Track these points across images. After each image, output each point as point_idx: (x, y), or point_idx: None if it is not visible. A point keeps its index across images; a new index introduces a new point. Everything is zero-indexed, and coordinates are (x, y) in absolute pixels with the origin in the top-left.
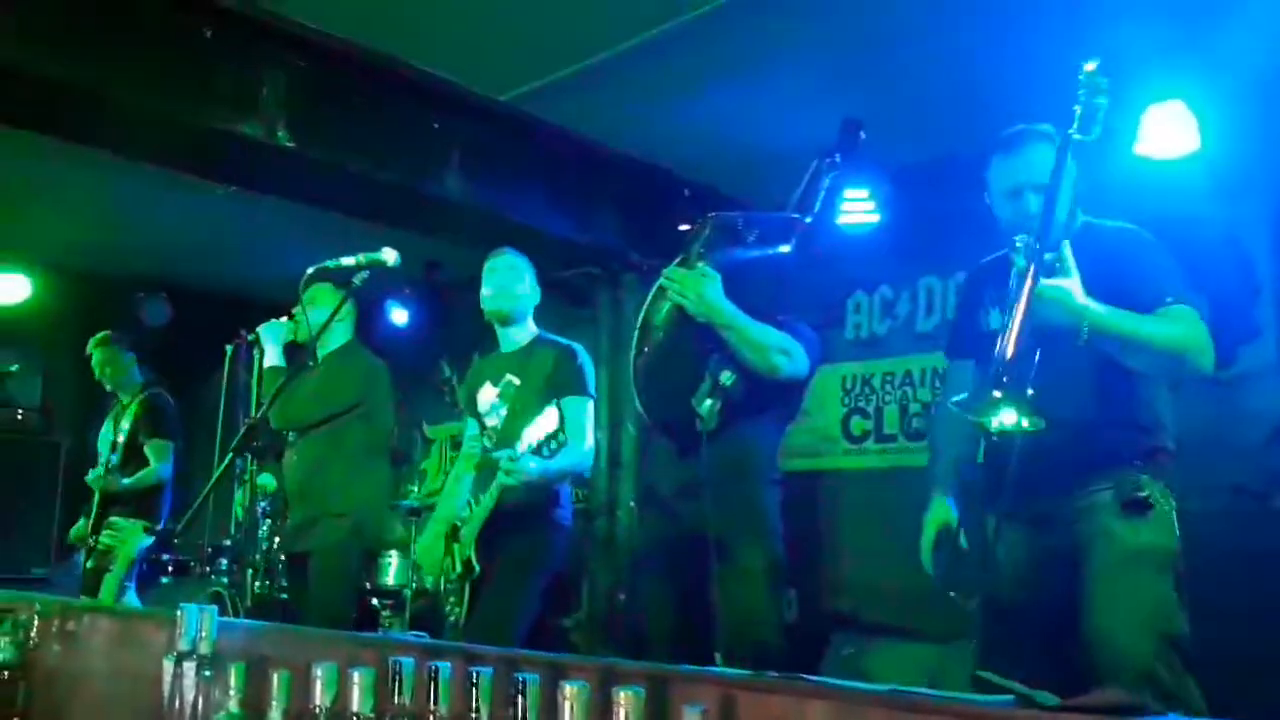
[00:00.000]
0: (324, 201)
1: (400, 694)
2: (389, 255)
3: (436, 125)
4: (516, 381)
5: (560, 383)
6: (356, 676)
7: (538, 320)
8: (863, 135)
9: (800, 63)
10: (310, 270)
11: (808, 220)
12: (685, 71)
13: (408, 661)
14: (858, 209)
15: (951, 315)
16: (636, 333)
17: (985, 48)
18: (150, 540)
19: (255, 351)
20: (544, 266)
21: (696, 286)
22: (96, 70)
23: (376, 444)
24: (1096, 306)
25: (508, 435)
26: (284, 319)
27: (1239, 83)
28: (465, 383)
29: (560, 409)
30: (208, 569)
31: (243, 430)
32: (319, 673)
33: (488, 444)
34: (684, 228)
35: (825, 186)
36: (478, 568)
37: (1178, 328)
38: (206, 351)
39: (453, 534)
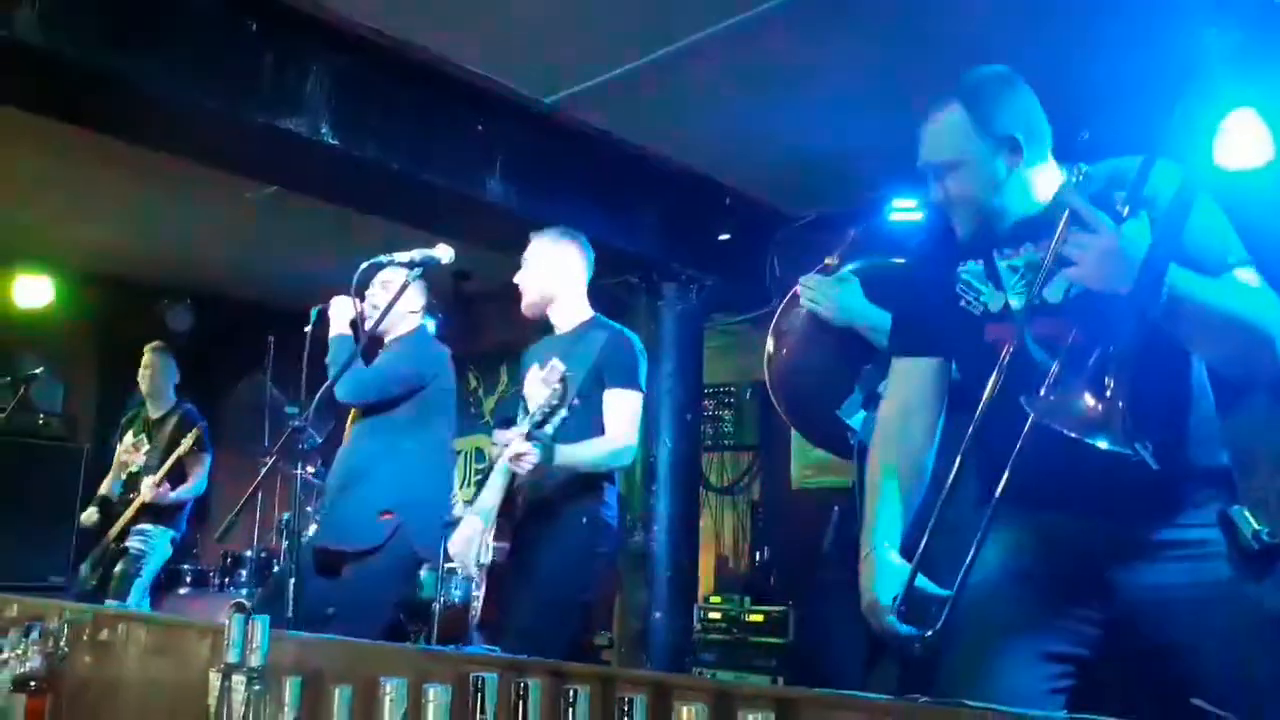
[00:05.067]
0: (364, 203)
1: (482, 713)
2: (444, 253)
3: (480, 127)
4: (561, 366)
5: (606, 371)
6: (432, 693)
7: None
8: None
9: (851, 69)
10: (364, 265)
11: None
12: (731, 77)
13: (491, 678)
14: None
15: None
16: (769, 339)
17: (1044, 57)
18: (170, 550)
19: (309, 340)
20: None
21: (831, 292)
22: (138, 60)
23: (437, 437)
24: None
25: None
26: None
27: None
28: (521, 366)
29: (603, 399)
30: (226, 579)
31: (288, 431)
32: (389, 689)
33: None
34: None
35: None
36: (492, 549)
37: (1261, 299)
38: (229, 361)
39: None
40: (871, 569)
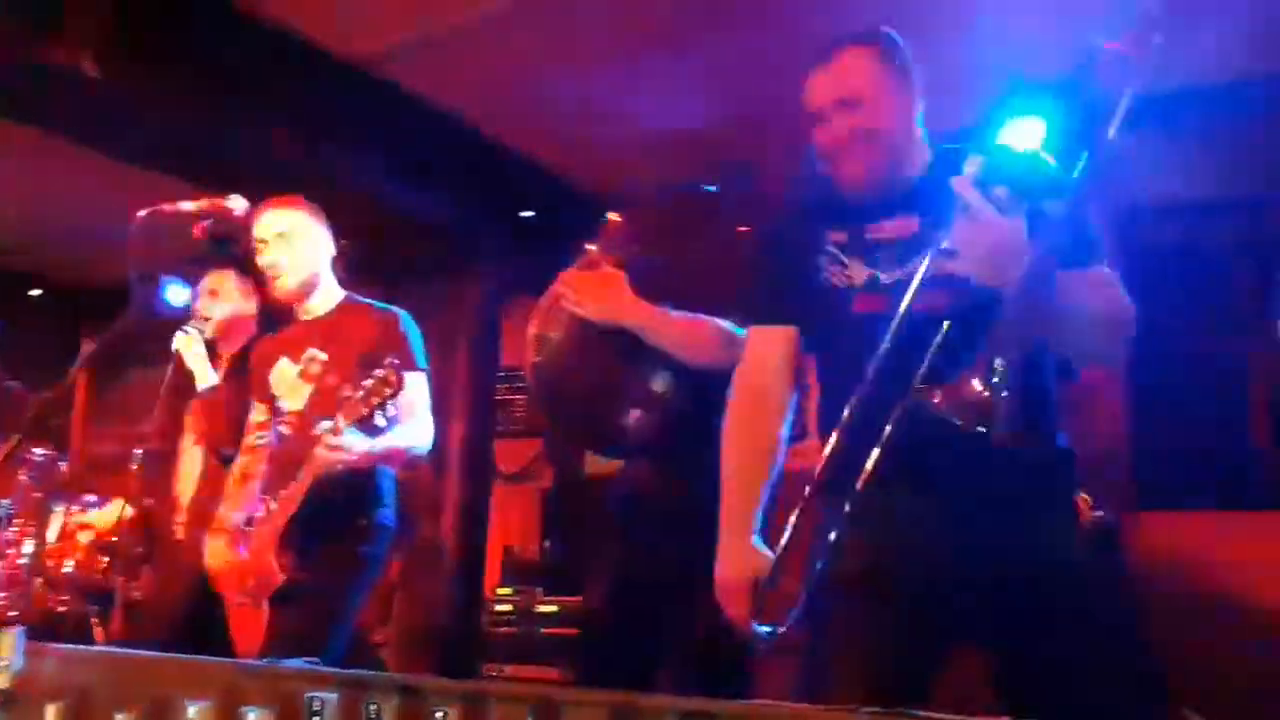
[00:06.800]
0: (131, 152)
1: None
2: (236, 203)
3: (275, 75)
4: (323, 356)
5: (385, 355)
6: (251, 718)
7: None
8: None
9: (670, 48)
10: (142, 213)
11: None
12: (550, 46)
13: (330, 698)
14: None
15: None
16: (530, 344)
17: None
18: None
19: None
20: (377, 245)
21: (593, 291)
22: None
23: None
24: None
25: (314, 421)
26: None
27: None
28: (250, 363)
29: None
30: None
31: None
32: (192, 714)
33: (285, 432)
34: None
35: None
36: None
37: (1116, 290)
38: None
39: (238, 539)
40: (730, 556)
